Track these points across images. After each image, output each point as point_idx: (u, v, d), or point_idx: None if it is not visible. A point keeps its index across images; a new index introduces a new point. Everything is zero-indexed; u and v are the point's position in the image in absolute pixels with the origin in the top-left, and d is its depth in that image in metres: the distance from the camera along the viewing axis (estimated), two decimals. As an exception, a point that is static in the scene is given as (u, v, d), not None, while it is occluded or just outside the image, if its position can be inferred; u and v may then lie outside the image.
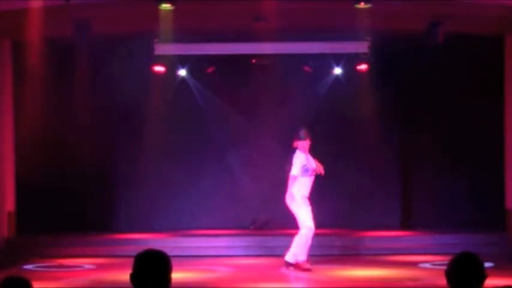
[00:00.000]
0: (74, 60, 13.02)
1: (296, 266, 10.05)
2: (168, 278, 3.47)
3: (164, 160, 13.97)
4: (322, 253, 10.57)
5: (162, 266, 3.46)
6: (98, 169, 13.82)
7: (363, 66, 13.45)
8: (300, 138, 10.09)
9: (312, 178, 10.10)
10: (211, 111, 14.30)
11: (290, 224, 10.36)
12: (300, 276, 9.89)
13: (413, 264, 10.64)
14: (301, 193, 10.00)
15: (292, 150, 10.13)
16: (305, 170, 10.02)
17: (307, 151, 10.12)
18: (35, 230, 12.72)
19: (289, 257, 10.08)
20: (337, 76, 14.12)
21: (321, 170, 10.13)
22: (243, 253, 11.84)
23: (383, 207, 14.09)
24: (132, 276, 3.46)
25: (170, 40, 12.08)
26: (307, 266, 10.04)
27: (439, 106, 13.76)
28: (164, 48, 12.47)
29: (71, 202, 13.38)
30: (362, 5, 11.23)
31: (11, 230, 12.63)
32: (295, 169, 9.96)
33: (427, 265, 10.54)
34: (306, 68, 13.98)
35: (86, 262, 11.07)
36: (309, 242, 10.04)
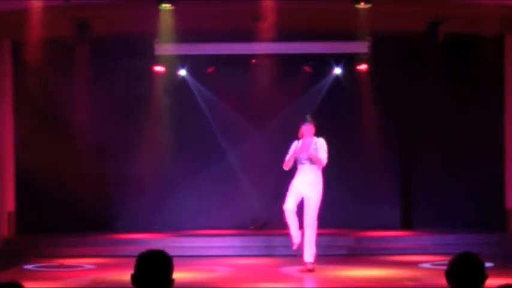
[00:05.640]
0: (74, 60, 13.03)
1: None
2: (170, 279, 3.46)
3: (164, 160, 13.97)
4: (322, 253, 10.54)
5: (164, 267, 3.45)
6: (98, 169, 13.81)
7: (363, 66, 13.46)
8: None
9: (301, 165, 9.88)
10: (211, 111, 14.30)
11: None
12: (300, 276, 9.88)
13: (413, 264, 10.62)
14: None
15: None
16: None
17: (304, 136, 10.01)
18: (35, 230, 12.73)
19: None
20: (337, 76, 14.13)
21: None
22: (243, 253, 11.82)
23: (383, 207, 14.09)
24: (133, 277, 3.45)
25: (170, 40, 12.07)
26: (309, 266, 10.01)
27: (438, 106, 13.75)
28: (164, 48, 12.47)
29: (71, 202, 13.37)
30: (362, 5, 11.24)
31: (11, 230, 12.64)
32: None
33: (427, 265, 10.52)
34: (306, 68, 13.98)
35: (86, 262, 11.06)
36: (289, 224, 9.86)
